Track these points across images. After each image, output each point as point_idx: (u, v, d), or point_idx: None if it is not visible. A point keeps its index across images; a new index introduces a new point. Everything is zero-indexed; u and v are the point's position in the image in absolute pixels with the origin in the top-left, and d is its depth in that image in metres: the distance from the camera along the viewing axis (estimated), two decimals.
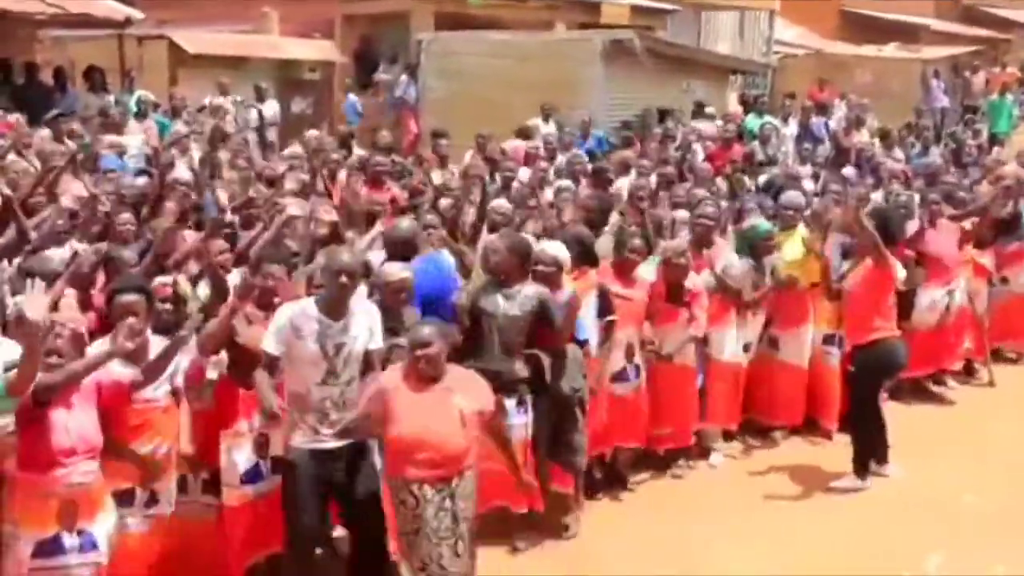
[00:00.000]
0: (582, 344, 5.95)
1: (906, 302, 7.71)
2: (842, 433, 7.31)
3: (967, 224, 8.70)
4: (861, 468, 6.77)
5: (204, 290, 5.67)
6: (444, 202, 7.71)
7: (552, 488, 5.96)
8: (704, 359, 6.97)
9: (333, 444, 4.85)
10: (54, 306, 4.85)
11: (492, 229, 7.13)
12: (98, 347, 4.53)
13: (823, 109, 16.13)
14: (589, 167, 10.24)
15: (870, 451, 6.81)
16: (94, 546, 4.36)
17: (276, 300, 5.19)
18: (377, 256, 6.25)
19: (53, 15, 14.39)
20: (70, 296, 5.26)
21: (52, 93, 13.75)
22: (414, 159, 11.60)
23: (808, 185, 9.97)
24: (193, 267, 5.91)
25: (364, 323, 4.95)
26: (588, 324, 6.03)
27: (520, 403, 5.65)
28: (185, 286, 5.21)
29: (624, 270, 6.51)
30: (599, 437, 6.33)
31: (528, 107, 13.81)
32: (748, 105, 17.72)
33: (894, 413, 7.54)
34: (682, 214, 7.92)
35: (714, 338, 6.99)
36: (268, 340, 4.87)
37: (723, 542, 6.06)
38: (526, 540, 5.87)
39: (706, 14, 22.58)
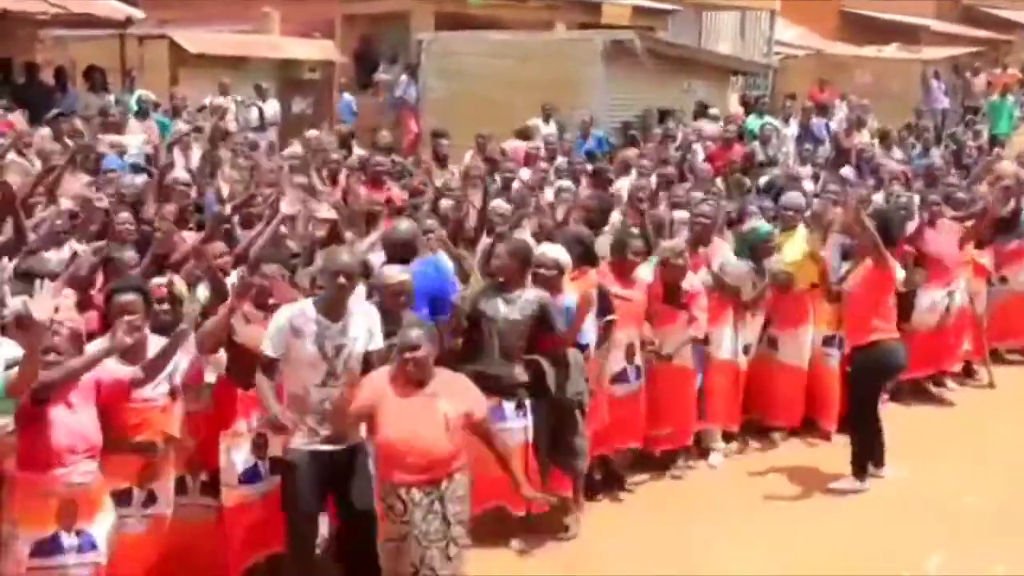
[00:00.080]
0: (583, 348, 5.94)
1: (906, 303, 7.71)
2: (841, 434, 7.31)
3: (967, 224, 8.69)
4: (860, 469, 6.76)
5: (204, 292, 5.66)
6: (445, 203, 7.71)
7: (552, 490, 5.93)
8: (703, 358, 6.96)
9: (332, 446, 4.85)
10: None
11: (490, 230, 7.12)
12: (97, 345, 4.52)
13: (824, 110, 16.12)
14: (589, 167, 10.25)
15: (869, 452, 6.81)
16: (93, 546, 4.35)
17: (271, 301, 5.18)
18: (377, 258, 6.25)
19: (54, 15, 14.39)
20: (69, 296, 5.25)
21: (53, 93, 13.74)
22: (414, 159, 11.59)
23: (808, 186, 9.97)
24: (193, 268, 5.90)
25: (363, 324, 4.95)
26: (588, 326, 6.00)
27: (519, 407, 5.64)
28: (181, 286, 5.19)
29: (623, 271, 6.50)
30: (598, 438, 6.31)
31: (528, 107, 13.81)
32: (749, 106, 17.72)
33: (894, 414, 7.55)
34: (681, 214, 7.91)
35: (713, 337, 6.98)
36: (266, 342, 4.86)
37: (723, 542, 6.05)
38: (525, 541, 5.86)
39: (707, 14, 22.58)
